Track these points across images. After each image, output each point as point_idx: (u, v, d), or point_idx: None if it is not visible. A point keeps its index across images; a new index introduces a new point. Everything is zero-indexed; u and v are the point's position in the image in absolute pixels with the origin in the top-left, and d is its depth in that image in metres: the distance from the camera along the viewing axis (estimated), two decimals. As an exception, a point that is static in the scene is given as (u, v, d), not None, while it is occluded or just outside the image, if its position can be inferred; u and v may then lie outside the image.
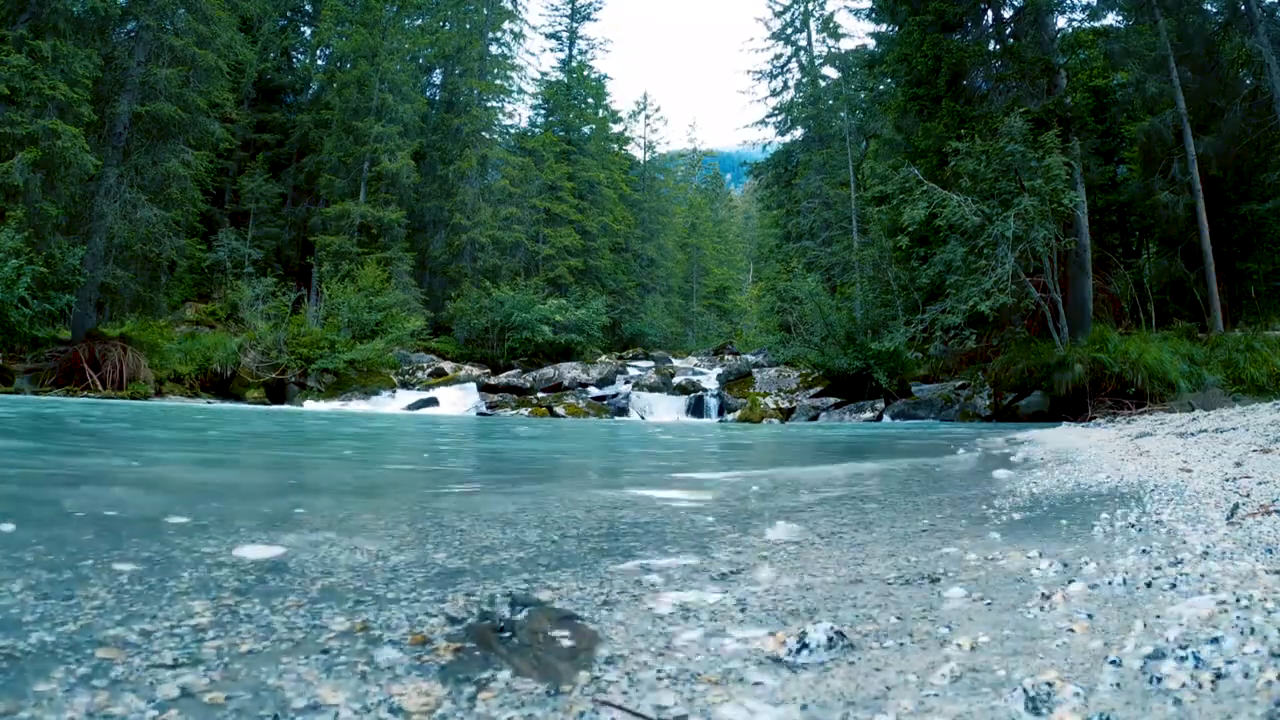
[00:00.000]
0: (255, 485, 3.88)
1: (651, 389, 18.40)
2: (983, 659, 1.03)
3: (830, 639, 1.10)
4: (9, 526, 1.91)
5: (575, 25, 38.46)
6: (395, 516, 2.63)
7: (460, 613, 1.31)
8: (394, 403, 17.00)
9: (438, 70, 32.99)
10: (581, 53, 38.33)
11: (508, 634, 1.16)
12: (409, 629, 1.21)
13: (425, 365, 21.24)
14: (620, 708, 0.88)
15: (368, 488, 3.95)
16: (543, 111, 36.70)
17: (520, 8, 36.63)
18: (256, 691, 0.94)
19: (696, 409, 17.26)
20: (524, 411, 16.55)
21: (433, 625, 1.23)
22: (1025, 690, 0.87)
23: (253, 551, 1.79)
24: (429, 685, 0.97)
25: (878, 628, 1.22)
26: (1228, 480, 2.85)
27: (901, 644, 1.13)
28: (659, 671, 1.03)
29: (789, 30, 33.34)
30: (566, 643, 1.14)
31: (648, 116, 41.81)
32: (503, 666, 1.03)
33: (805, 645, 1.09)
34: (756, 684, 0.98)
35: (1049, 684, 0.88)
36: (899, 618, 1.27)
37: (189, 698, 0.91)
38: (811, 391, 16.96)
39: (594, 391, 18.83)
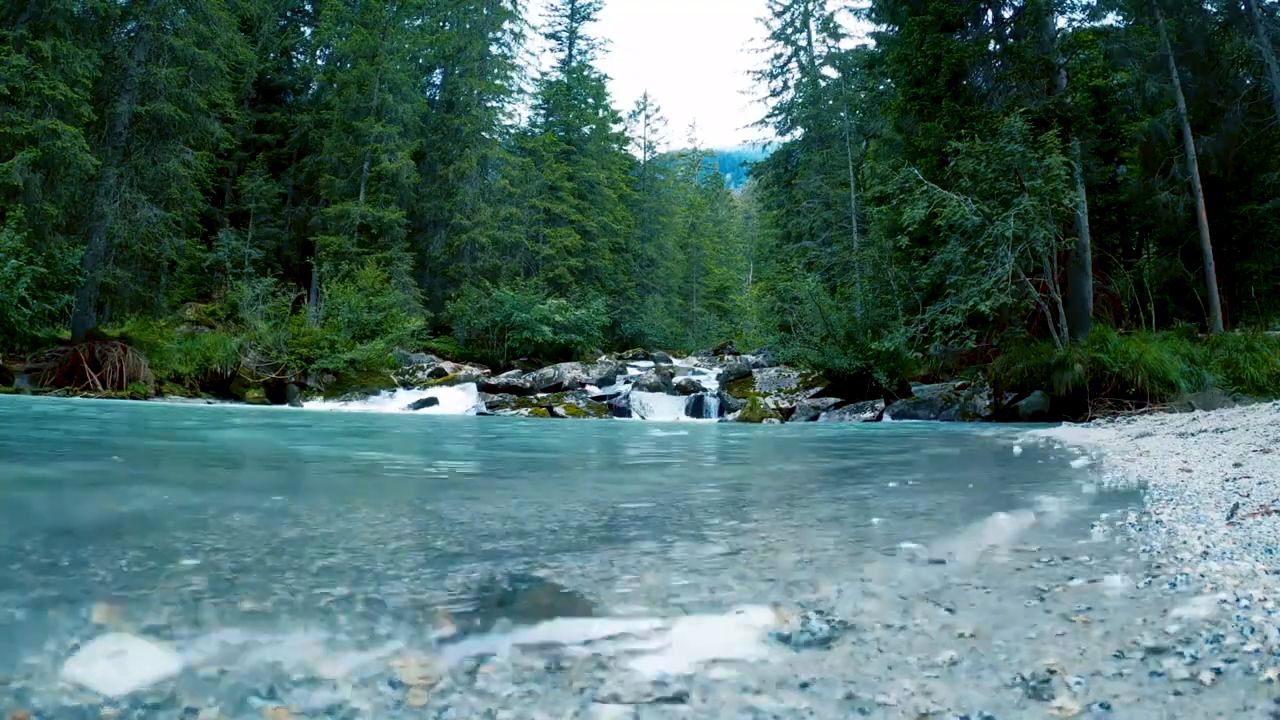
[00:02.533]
0: (256, 482, 3.88)
1: (651, 389, 18.39)
2: (985, 653, 1.04)
3: (831, 620, 1.10)
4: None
5: (575, 25, 38.44)
6: (395, 510, 2.64)
7: (460, 590, 1.31)
8: (394, 402, 16.99)
9: (438, 70, 32.96)
10: (581, 53, 38.31)
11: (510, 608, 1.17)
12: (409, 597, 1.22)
13: (425, 365, 21.23)
14: (617, 702, 0.88)
15: (368, 484, 3.95)
16: (543, 111, 36.66)
17: (520, 8, 36.59)
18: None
19: (696, 409, 17.24)
20: (524, 411, 16.54)
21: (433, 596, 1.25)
22: (1025, 677, 0.87)
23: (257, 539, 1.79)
24: (429, 659, 0.97)
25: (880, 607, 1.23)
26: (1228, 480, 2.85)
27: (903, 625, 1.13)
28: (660, 649, 1.03)
29: (789, 30, 33.31)
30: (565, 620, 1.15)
31: (648, 116, 41.79)
32: (503, 641, 1.03)
33: (807, 625, 1.09)
34: (761, 661, 0.98)
35: (1050, 672, 0.89)
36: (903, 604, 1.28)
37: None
38: (811, 391, 16.95)
39: (594, 391, 18.81)
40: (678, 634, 1.11)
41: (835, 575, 1.55)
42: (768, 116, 33.55)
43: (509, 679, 0.91)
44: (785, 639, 1.06)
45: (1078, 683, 0.85)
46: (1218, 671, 0.88)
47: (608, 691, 0.88)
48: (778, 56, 33.61)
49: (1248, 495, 2.40)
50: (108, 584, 1.36)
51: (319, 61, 30.32)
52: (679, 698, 0.87)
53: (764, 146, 34.15)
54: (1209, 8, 16.77)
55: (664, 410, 17.14)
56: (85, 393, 14.00)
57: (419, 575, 1.47)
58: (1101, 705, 0.80)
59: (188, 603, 1.23)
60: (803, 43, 33.00)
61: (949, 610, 1.22)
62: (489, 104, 32.98)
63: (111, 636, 1.03)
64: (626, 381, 19.42)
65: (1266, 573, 1.33)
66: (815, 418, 15.27)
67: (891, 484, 3.64)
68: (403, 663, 0.96)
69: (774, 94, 33.78)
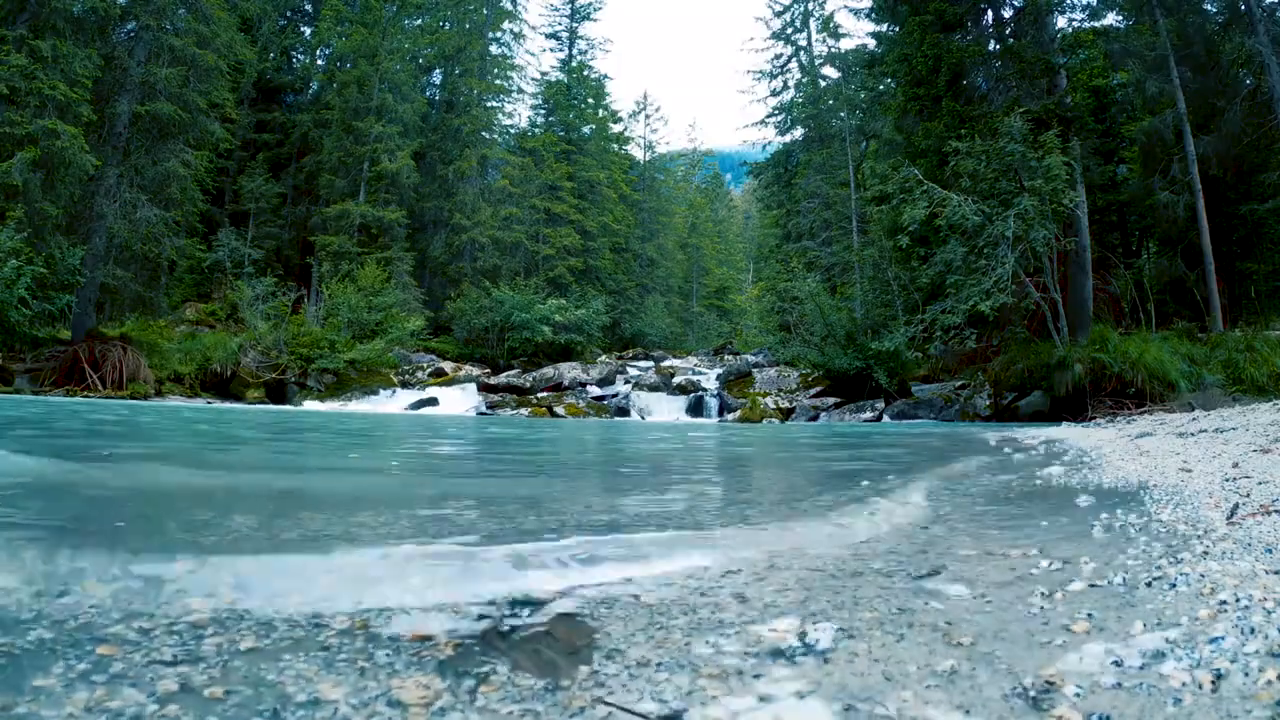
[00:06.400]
0: (255, 482, 3.88)
1: (651, 389, 18.39)
2: (983, 656, 1.03)
3: (830, 632, 1.10)
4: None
5: (575, 25, 38.45)
6: (396, 514, 2.63)
7: (461, 610, 1.31)
8: (394, 402, 16.99)
9: (438, 70, 32.96)
10: (581, 53, 38.33)
11: (509, 631, 1.16)
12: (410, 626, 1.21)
13: (425, 365, 21.23)
14: (620, 706, 0.88)
15: (368, 485, 3.95)
16: (543, 111, 36.67)
17: (520, 8, 36.63)
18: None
19: (696, 409, 17.25)
20: (524, 411, 16.54)
21: (434, 624, 1.24)
22: (1025, 686, 0.87)
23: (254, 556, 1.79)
24: (428, 679, 0.97)
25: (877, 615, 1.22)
26: (1227, 480, 2.85)
27: (901, 635, 1.13)
28: (658, 665, 1.03)
29: (789, 30, 33.33)
30: (566, 638, 1.14)
31: (648, 116, 41.79)
32: (502, 661, 1.02)
33: (805, 638, 1.09)
34: (757, 676, 0.98)
35: (1049, 680, 0.88)
36: (899, 610, 1.28)
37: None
38: (811, 391, 16.95)
39: (594, 391, 18.81)
40: (675, 652, 1.11)
41: (847, 594, 1.54)
42: (768, 116, 33.58)
43: (508, 698, 0.90)
44: (781, 654, 1.06)
45: (1077, 692, 0.84)
46: (1218, 674, 0.88)
47: (605, 712, 0.87)
48: (778, 56, 33.63)
49: (1247, 495, 2.39)
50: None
51: (319, 61, 30.33)
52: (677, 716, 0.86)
53: (764, 146, 34.17)
54: (1209, 8, 16.75)
55: (664, 410, 17.14)
56: (85, 393, 14.00)
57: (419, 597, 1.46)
58: (1101, 716, 0.80)
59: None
60: (803, 43, 33.02)
61: (948, 622, 1.22)
62: (489, 104, 32.98)
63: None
64: (626, 381, 19.42)
65: (1266, 573, 1.33)
66: (815, 418, 15.26)
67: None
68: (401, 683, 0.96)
69: (774, 94, 33.82)
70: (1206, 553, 1.59)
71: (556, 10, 38.54)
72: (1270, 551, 1.53)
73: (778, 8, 33.27)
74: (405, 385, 18.49)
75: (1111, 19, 17.23)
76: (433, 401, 17.03)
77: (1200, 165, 14.57)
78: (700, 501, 3.35)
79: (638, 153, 41.28)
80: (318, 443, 6.76)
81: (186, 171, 17.47)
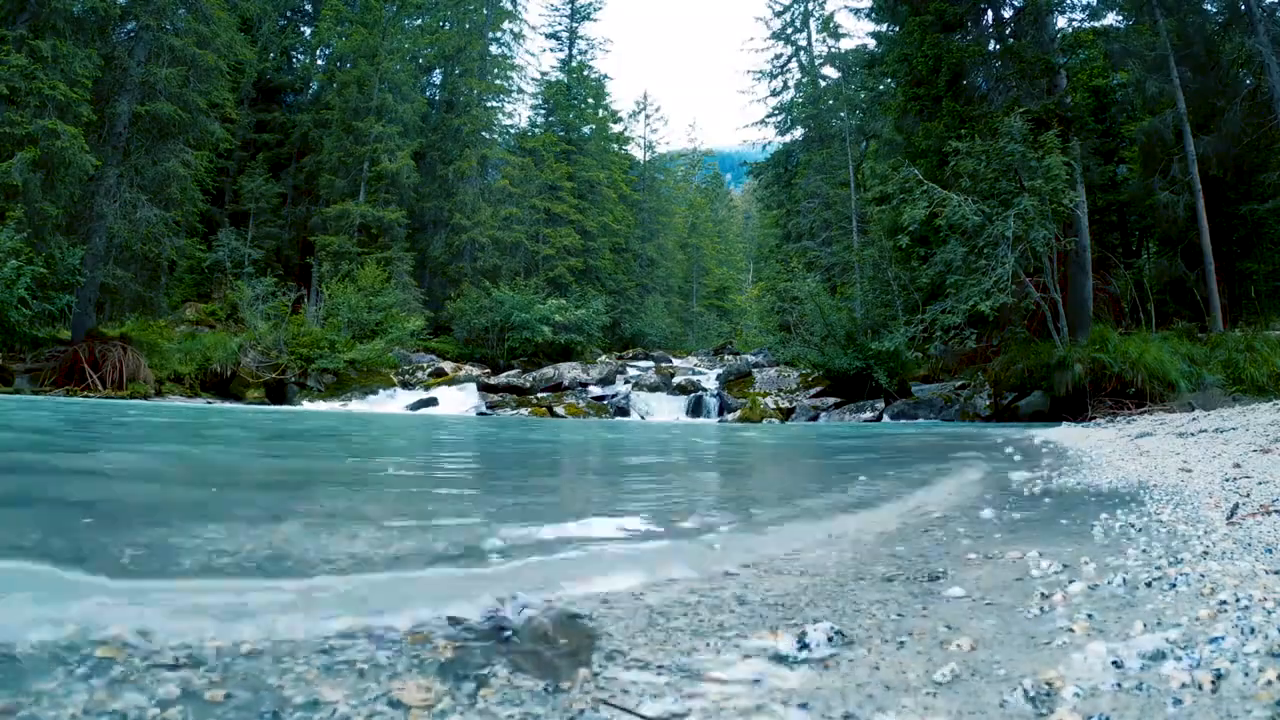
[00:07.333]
0: (256, 484, 3.88)
1: (651, 389, 18.39)
2: (983, 657, 1.03)
3: (830, 637, 1.10)
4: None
5: (575, 25, 38.43)
6: (396, 514, 2.63)
7: (460, 612, 1.31)
8: (394, 403, 16.98)
9: (438, 70, 32.95)
10: (581, 53, 38.31)
11: (508, 631, 1.16)
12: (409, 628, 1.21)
13: (425, 365, 21.21)
14: (620, 707, 0.88)
15: (368, 486, 3.95)
16: (543, 111, 36.66)
17: (520, 8, 36.61)
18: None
19: (696, 409, 17.25)
20: (524, 411, 16.54)
21: (433, 625, 1.24)
22: (1025, 690, 0.87)
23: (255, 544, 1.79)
24: (428, 682, 0.96)
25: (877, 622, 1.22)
26: (1227, 480, 2.85)
27: (901, 641, 1.13)
28: (659, 669, 1.02)
29: (789, 30, 33.33)
30: (566, 640, 1.14)
31: (648, 116, 41.76)
32: (502, 664, 1.02)
33: (805, 643, 1.09)
34: (755, 681, 0.98)
35: (1049, 684, 0.88)
36: (899, 615, 1.28)
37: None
38: (811, 391, 16.95)
39: (594, 391, 18.81)
40: (676, 656, 1.11)
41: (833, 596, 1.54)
42: (768, 116, 33.56)
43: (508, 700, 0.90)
44: (783, 658, 1.06)
45: (1076, 693, 0.84)
46: (1218, 674, 0.88)
47: (607, 714, 0.87)
48: (778, 56, 33.62)
49: (1248, 495, 2.39)
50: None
51: (319, 61, 30.32)
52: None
53: (764, 146, 34.16)
54: (1209, 8, 16.75)
55: (664, 410, 17.13)
56: (85, 393, 13.99)
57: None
58: (1101, 717, 0.80)
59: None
60: (803, 43, 33.01)
61: (948, 627, 1.22)
62: (489, 104, 32.97)
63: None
64: (626, 381, 19.42)
65: (1266, 573, 1.33)
66: (815, 418, 15.27)
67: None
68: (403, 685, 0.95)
69: (774, 94, 33.80)
70: (1206, 553, 1.59)
71: (556, 10, 38.54)
72: (1270, 551, 1.53)
73: (778, 8, 33.27)
74: (405, 385, 18.49)
75: (1111, 19, 17.23)
76: (433, 402, 17.03)
77: (1200, 165, 14.56)
78: (701, 498, 3.35)
79: (638, 153, 41.27)
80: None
81: (186, 171, 17.46)
